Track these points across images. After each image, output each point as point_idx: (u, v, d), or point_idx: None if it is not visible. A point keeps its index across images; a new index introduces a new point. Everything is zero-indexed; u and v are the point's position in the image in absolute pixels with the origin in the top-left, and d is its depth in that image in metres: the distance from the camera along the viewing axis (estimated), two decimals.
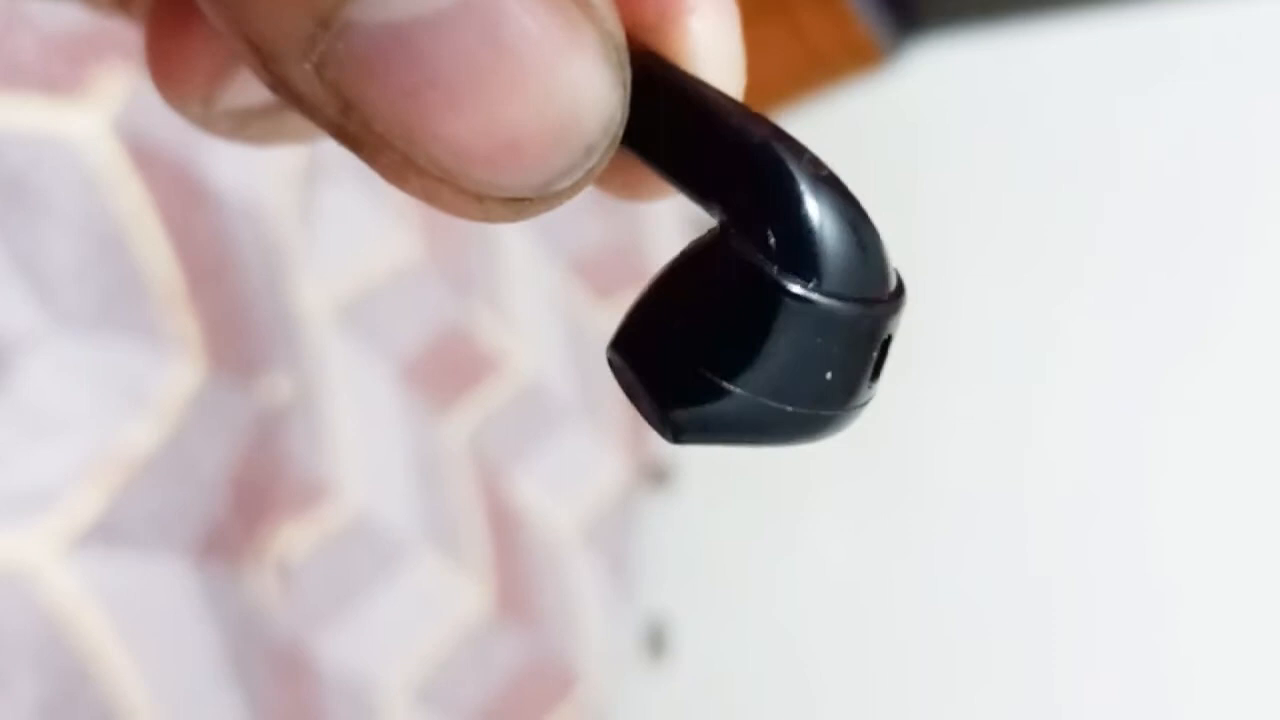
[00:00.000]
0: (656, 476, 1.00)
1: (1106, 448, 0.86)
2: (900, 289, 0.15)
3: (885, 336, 0.15)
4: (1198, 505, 0.81)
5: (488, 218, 0.14)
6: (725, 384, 0.15)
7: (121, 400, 0.56)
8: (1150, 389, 0.86)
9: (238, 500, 0.62)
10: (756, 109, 0.16)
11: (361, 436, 0.72)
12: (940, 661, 0.86)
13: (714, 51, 0.16)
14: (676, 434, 0.15)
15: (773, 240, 0.14)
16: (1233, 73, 0.94)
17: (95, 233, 0.56)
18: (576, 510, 0.87)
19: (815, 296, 0.14)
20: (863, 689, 0.88)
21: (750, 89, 0.17)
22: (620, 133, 0.14)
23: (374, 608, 0.71)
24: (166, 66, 0.18)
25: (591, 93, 0.13)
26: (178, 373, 0.59)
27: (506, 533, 0.81)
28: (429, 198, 0.14)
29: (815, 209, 0.14)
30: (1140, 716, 0.78)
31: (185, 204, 0.59)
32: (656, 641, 0.95)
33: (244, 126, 0.19)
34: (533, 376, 0.85)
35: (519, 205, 0.14)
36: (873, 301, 0.15)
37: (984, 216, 0.98)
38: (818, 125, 1.10)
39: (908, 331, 0.16)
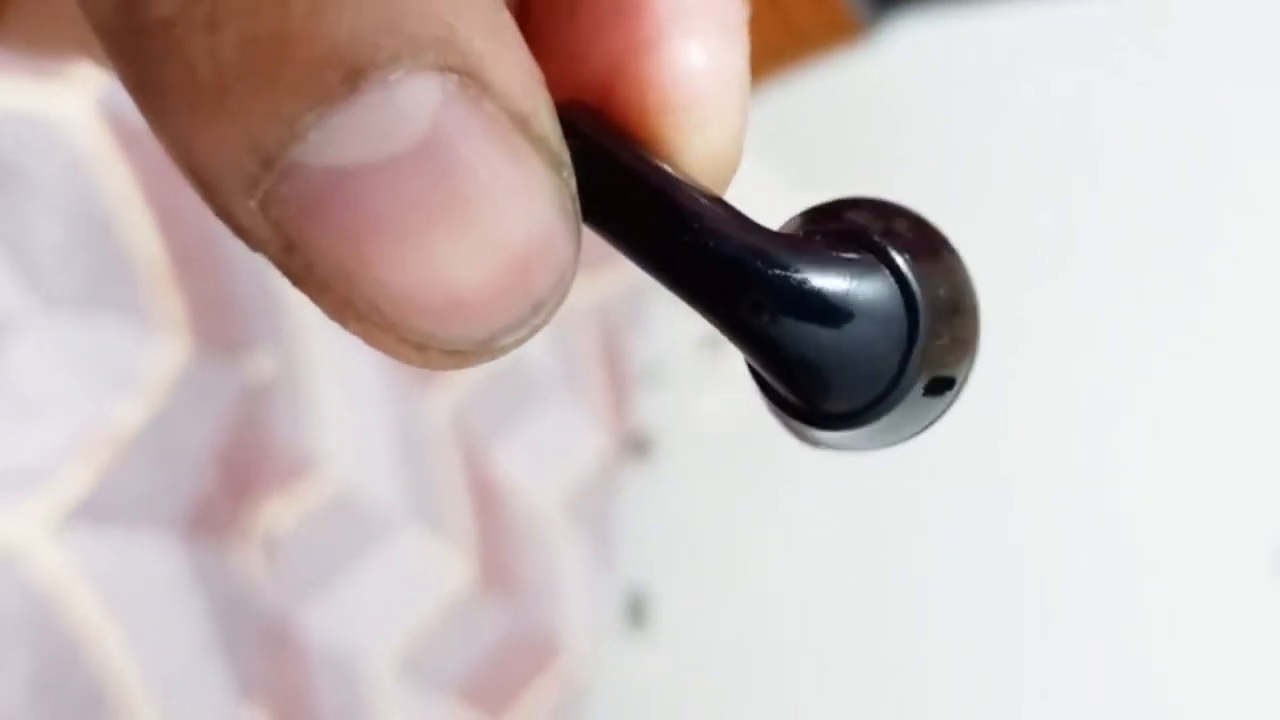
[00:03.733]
0: (637, 448, 1.00)
1: (1084, 428, 0.87)
2: (887, 394, 0.15)
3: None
4: (1176, 484, 0.82)
5: (428, 365, 0.13)
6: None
7: (108, 379, 0.57)
8: (1129, 369, 0.87)
9: (224, 477, 0.62)
10: None
11: (345, 412, 0.73)
12: (918, 633, 0.87)
13: (711, 105, 0.16)
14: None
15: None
16: (1211, 52, 0.95)
17: (81, 213, 0.56)
18: (558, 483, 0.87)
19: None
20: (840, 659, 0.89)
21: None
22: (570, 286, 0.13)
23: (359, 582, 0.72)
24: None
25: (543, 245, 0.13)
26: (164, 351, 0.59)
27: (489, 506, 0.82)
28: (368, 340, 0.13)
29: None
30: (1115, 692, 0.79)
31: (171, 185, 0.59)
32: (637, 612, 0.96)
33: None
34: (515, 351, 0.85)
35: (460, 356, 0.13)
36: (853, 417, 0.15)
37: (960, 192, 0.98)
38: (795, 99, 1.10)
39: None
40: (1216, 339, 0.84)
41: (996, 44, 1.05)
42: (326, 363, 0.72)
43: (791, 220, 0.15)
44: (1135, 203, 0.91)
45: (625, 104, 0.15)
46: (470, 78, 0.12)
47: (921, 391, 0.14)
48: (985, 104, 1.03)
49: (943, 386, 0.15)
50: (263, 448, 0.66)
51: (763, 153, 0.88)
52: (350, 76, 0.12)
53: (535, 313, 0.13)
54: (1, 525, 0.53)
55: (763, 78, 1.12)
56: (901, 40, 1.12)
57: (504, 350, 0.14)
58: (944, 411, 0.15)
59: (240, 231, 0.13)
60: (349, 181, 0.12)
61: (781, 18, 1.11)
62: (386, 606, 0.74)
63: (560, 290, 0.13)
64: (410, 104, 0.12)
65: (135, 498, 0.57)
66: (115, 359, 0.57)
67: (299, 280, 0.13)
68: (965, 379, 0.15)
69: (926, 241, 0.15)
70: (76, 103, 0.56)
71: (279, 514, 0.67)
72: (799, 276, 0.14)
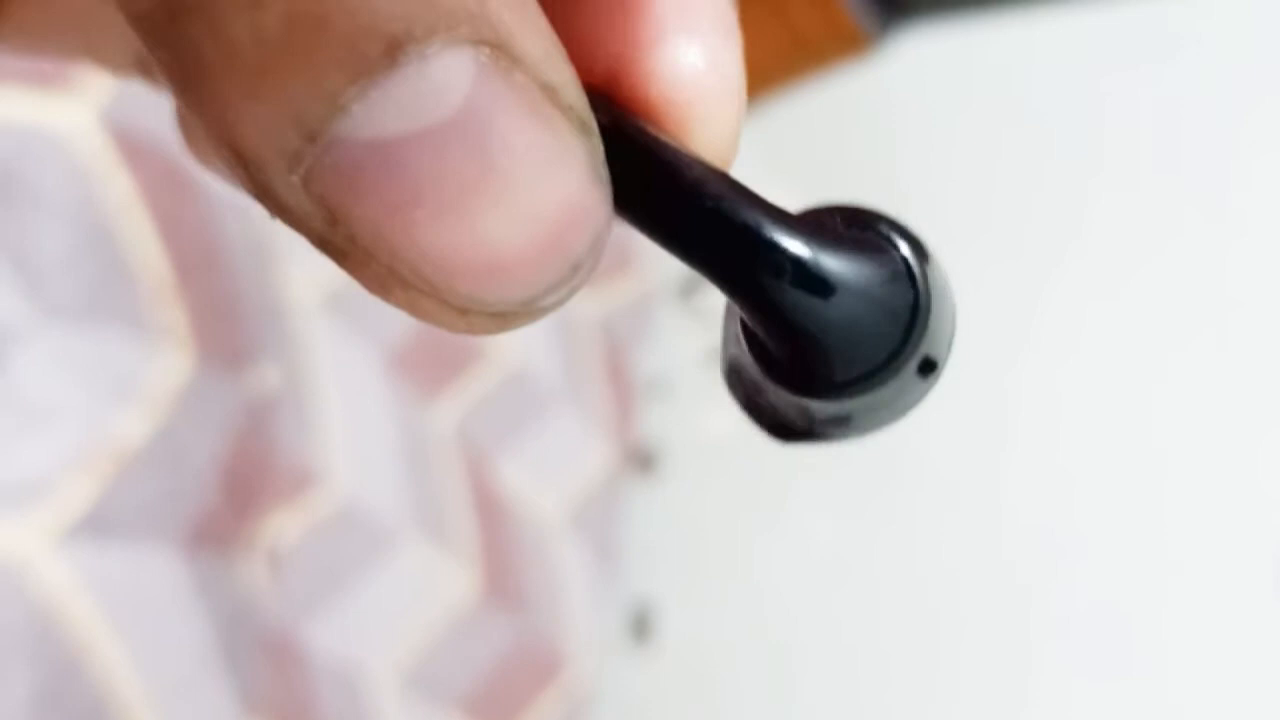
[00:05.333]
0: (642, 461, 1.00)
1: (1088, 439, 0.87)
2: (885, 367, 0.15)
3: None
4: (1177, 497, 0.82)
5: (471, 330, 0.14)
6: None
7: (111, 391, 0.57)
8: (1133, 380, 0.87)
9: (228, 489, 0.62)
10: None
11: (350, 424, 0.72)
12: (923, 646, 0.87)
13: (712, 104, 0.16)
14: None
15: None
16: (1220, 62, 0.95)
17: (84, 224, 0.56)
18: (563, 495, 0.87)
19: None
20: (845, 673, 0.89)
21: None
22: (604, 248, 0.14)
23: (363, 594, 0.72)
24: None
25: (578, 209, 0.13)
26: (167, 363, 0.59)
27: (493, 518, 0.82)
28: (412, 309, 0.14)
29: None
30: (1117, 704, 0.79)
31: (173, 195, 0.59)
32: (641, 625, 0.96)
33: None
34: (518, 364, 0.85)
35: (503, 318, 0.14)
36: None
37: (967, 203, 0.98)
38: (802, 110, 1.10)
39: None
40: (1221, 351, 0.84)
41: (1003, 55, 1.05)
42: (331, 374, 0.72)
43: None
44: (1142, 213, 0.91)
45: (627, 100, 0.16)
46: (501, 50, 0.13)
47: (915, 368, 0.15)
48: (992, 115, 1.03)
49: (930, 368, 0.16)
50: (267, 460, 0.66)
51: (770, 163, 0.87)
52: (390, 50, 0.12)
53: (573, 273, 0.14)
54: (4, 537, 0.53)
55: (770, 89, 1.12)
56: (908, 51, 1.12)
57: (544, 311, 0.14)
58: (925, 395, 0.16)
59: (282, 209, 0.13)
60: (390, 153, 0.12)
61: (788, 29, 1.11)
62: (390, 619, 0.74)
63: (596, 251, 0.14)
64: (446, 76, 0.12)
65: (139, 510, 0.57)
66: (118, 370, 0.57)
67: (341, 255, 0.13)
68: (944, 366, 0.16)
69: (917, 240, 0.16)
70: (79, 113, 0.56)
71: (283, 526, 0.67)
72: (822, 245, 0.15)
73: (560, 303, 0.14)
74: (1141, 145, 0.94)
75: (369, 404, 0.74)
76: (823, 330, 0.15)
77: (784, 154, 0.97)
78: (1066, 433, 0.88)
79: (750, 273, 0.14)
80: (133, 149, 0.58)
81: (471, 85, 0.13)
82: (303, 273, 0.71)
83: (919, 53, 1.11)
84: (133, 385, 0.57)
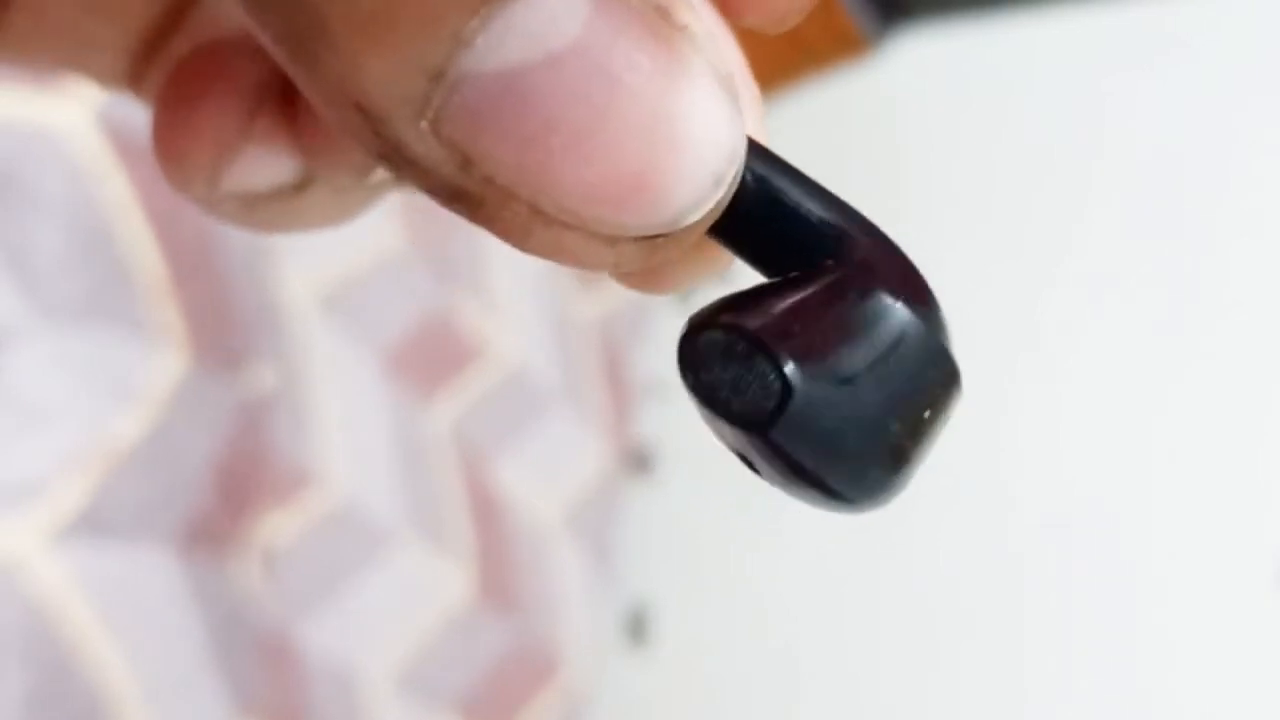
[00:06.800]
0: (638, 463, 1.00)
1: (1088, 437, 0.87)
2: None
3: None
4: (1177, 498, 0.82)
5: (619, 263, 0.14)
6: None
7: (107, 391, 0.57)
8: (1133, 372, 0.87)
9: (223, 489, 0.62)
10: None
11: (345, 424, 0.72)
12: (920, 648, 0.87)
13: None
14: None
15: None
16: (1216, 64, 0.95)
17: (81, 225, 0.56)
18: (559, 496, 0.87)
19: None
20: (843, 673, 0.89)
21: None
22: (741, 158, 0.14)
23: (358, 594, 0.72)
24: (172, 145, 0.18)
25: (712, 122, 0.13)
26: (163, 363, 0.59)
27: (489, 519, 0.81)
28: (556, 251, 0.14)
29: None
30: (1117, 704, 0.79)
31: (169, 196, 0.59)
32: (637, 626, 0.96)
33: (250, 211, 0.19)
34: (516, 364, 0.85)
35: (651, 245, 0.14)
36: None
37: (966, 206, 0.98)
38: (802, 114, 1.10)
39: None
40: (1221, 350, 0.84)
41: (1002, 58, 1.05)
42: (326, 375, 0.72)
43: None
44: (1142, 217, 0.91)
45: None
46: None
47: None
48: (991, 118, 1.03)
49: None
50: (262, 460, 0.66)
51: None
52: None
53: (715, 186, 0.14)
54: (0, 536, 0.53)
55: (769, 92, 1.12)
56: (908, 55, 1.12)
57: (691, 232, 0.14)
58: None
59: (411, 164, 0.13)
60: (518, 84, 0.12)
61: (788, 33, 1.11)
62: (386, 619, 0.74)
63: (734, 162, 0.14)
64: (564, 1, 0.12)
65: (134, 510, 0.57)
66: (114, 370, 0.57)
67: (476, 204, 0.13)
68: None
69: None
70: (76, 114, 0.56)
71: (278, 526, 0.67)
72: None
73: (705, 222, 0.14)
74: (1139, 148, 0.94)
75: (365, 404, 0.74)
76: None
77: (784, 157, 0.97)
78: (1066, 433, 0.88)
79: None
80: (129, 149, 0.58)
81: (589, 9, 0.13)
82: (298, 274, 0.71)
83: (918, 55, 1.11)
84: (128, 385, 0.57)
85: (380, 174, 0.19)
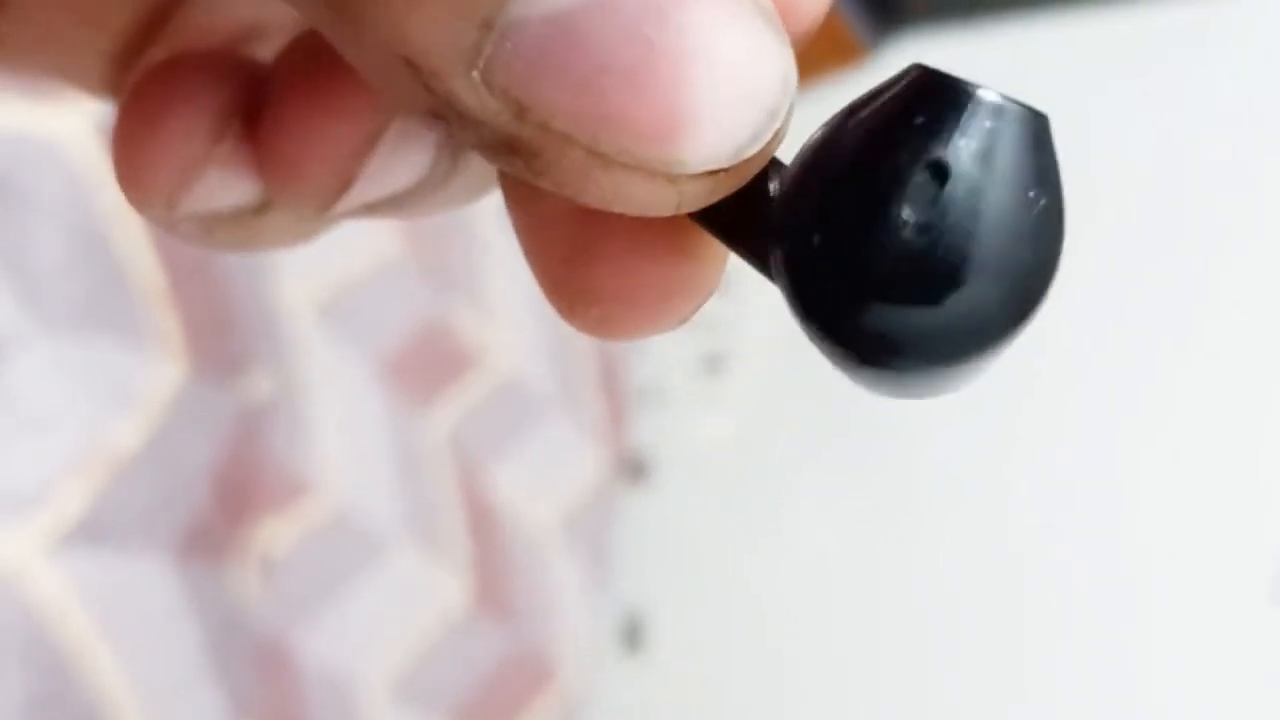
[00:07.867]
0: (634, 469, 1.00)
1: (1084, 448, 0.87)
2: None
3: None
4: (1174, 507, 0.82)
5: (683, 203, 0.14)
6: None
7: (105, 398, 0.57)
8: (1132, 376, 0.87)
9: (220, 497, 0.62)
10: None
11: (343, 432, 0.72)
12: (917, 655, 0.87)
13: None
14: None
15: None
16: (1216, 72, 0.95)
17: (78, 232, 0.56)
18: (555, 504, 0.87)
19: None
20: (838, 681, 0.89)
21: None
22: (795, 91, 0.14)
23: (355, 602, 0.72)
24: (131, 164, 0.18)
25: (763, 54, 0.14)
26: (161, 370, 0.59)
27: (486, 526, 0.82)
28: (617, 196, 0.14)
29: None
30: (1112, 714, 0.79)
31: None
32: (633, 634, 0.96)
33: (210, 232, 0.19)
34: (512, 371, 0.85)
35: (712, 180, 0.14)
36: None
37: None
38: (797, 120, 1.10)
39: None
40: (1221, 354, 0.84)
41: (999, 65, 1.05)
42: (324, 382, 0.72)
43: None
44: (1138, 224, 0.91)
45: None
46: None
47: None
48: None
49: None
50: (259, 467, 0.66)
51: None
52: None
53: (772, 119, 0.14)
54: None
55: None
56: (903, 62, 1.11)
57: (751, 166, 0.14)
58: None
59: (463, 117, 0.13)
60: (567, 27, 0.13)
61: None
62: (382, 627, 0.74)
63: (787, 95, 0.14)
64: None
65: (131, 518, 0.57)
66: (112, 378, 0.57)
67: (533, 154, 0.13)
68: None
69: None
70: (74, 121, 0.56)
71: (275, 534, 0.67)
72: None
73: (764, 156, 0.14)
74: (1136, 155, 0.94)
75: (362, 412, 0.74)
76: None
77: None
78: (1064, 437, 0.88)
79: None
80: None
81: None
82: (295, 281, 0.71)
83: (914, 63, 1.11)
84: (126, 392, 0.57)
85: (344, 202, 0.18)
